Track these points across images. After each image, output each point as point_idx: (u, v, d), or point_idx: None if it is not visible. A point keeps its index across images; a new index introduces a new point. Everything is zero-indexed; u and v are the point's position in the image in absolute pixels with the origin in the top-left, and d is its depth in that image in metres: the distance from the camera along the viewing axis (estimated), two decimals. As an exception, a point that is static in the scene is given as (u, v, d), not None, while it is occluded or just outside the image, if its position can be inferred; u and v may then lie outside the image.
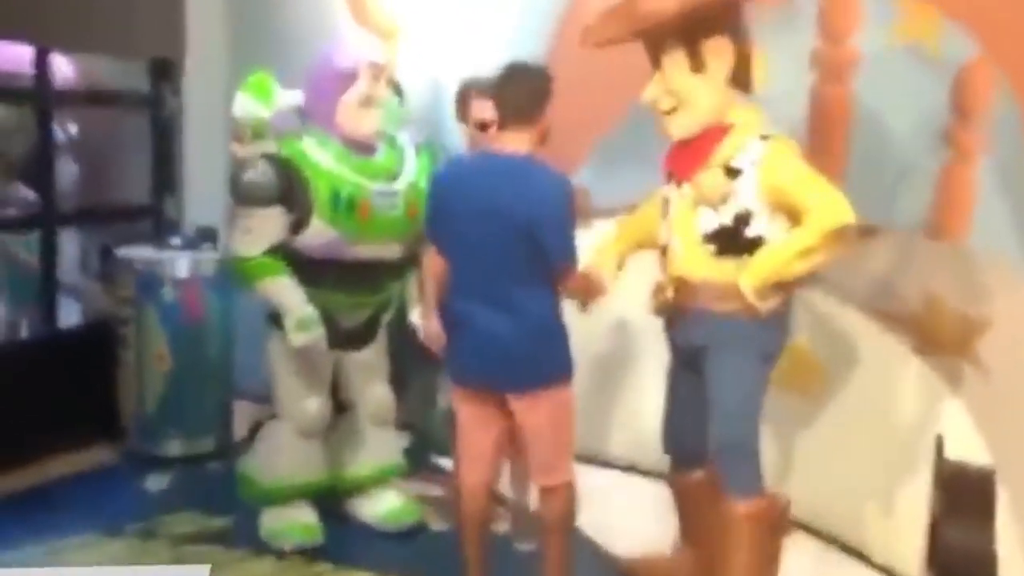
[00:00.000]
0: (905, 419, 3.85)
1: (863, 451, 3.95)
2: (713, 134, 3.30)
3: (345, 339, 4.00)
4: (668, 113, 3.35)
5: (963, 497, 2.88)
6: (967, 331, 3.67)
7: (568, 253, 3.25)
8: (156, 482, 4.58)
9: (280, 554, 3.90)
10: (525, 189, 3.20)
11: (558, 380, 3.31)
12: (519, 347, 3.23)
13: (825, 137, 4.13)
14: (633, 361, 4.71)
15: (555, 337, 3.31)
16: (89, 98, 5.49)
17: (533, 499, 3.68)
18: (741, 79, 3.35)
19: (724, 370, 3.32)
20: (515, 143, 3.28)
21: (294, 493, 4.04)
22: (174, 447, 4.81)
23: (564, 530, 3.44)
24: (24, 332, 5.34)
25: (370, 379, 4.18)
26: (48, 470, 4.55)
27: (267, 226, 3.78)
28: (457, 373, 3.40)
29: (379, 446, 4.23)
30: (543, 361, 3.29)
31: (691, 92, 3.30)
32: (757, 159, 3.22)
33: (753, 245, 3.24)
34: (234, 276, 4.09)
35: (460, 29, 5.10)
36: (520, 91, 3.30)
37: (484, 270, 3.22)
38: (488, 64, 4.38)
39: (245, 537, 3.99)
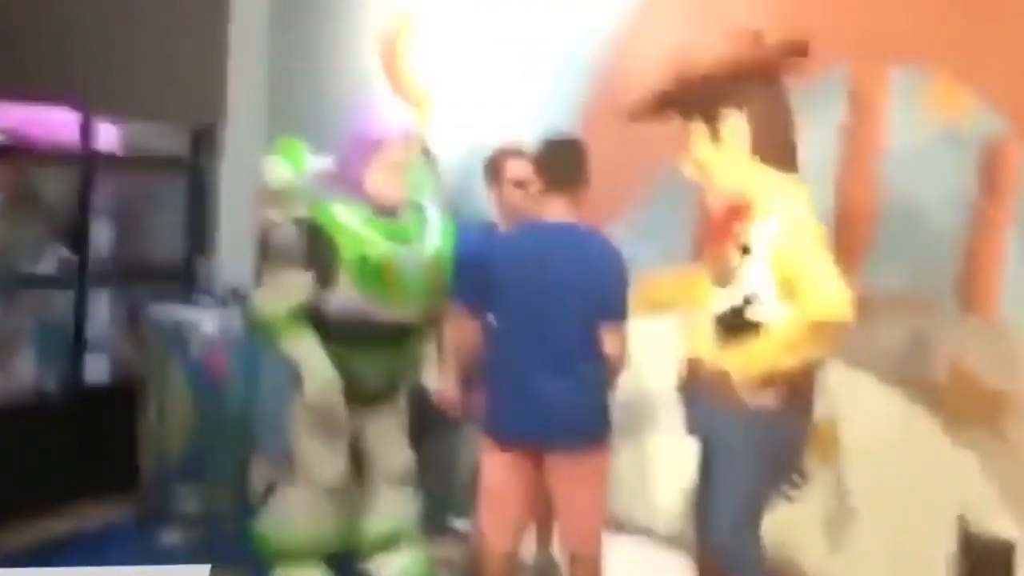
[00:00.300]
0: (929, 490, 3.75)
1: (886, 521, 3.87)
2: (736, 210, 3.23)
3: (366, 399, 4.01)
4: (705, 187, 3.36)
5: (983, 568, 2.80)
6: (994, 403, 3.61)
7: (625, 316, 3.36)
8: (173, 538, 4.57)
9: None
10: (587, 257, 3.34)
11: (603, 442, 3.39)
12: (576, 408, 3.31)
13: (852, 208, 4.12)
14: (653, 429, 4.66)
15: (603, 401, 3.39)
16: (131, 163, 5.60)
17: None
18: (780, 156, 3.25)
19: (717, 472, 3.24)
20: (561, 211, 3.39)
21: (309, 552, 4.01)
22: (192, 504, 4.79)
23: None
24: (52, 388, 5.38)
25: (390, 440, 4.17)
26: (67, 523, 4.56)
27: (292, 287, 3.82)
28: (504, 433, 3.39)
29: (395, 506, 4.20)
30: (595, 422, 3.37)
31: (711, 164, 3.30)
32: (770, 241, 3.10)
33: (753, 331, 3.11)
34: (257, 333, 4.12)
35: (492, 98, 5.18)
36: (565, 160, 3.44)
37: (541, 335, 3.29)
38: (520, 133, 4.48)
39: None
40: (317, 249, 3.79)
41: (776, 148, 3.25)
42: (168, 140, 5.52)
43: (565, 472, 3.33)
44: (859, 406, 3.97)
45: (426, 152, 5.14)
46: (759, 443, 3.12)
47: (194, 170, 5.45)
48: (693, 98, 3.29)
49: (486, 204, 5.02)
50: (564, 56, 5.04)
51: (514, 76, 5.16)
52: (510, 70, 5.18)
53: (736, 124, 3.22)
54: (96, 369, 5.21)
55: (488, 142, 5.08)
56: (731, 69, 3.22)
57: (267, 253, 3.87)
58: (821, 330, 2.97)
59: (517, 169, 3.98)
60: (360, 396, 3.97)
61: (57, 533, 4.49)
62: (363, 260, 3.80)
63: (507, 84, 5.17)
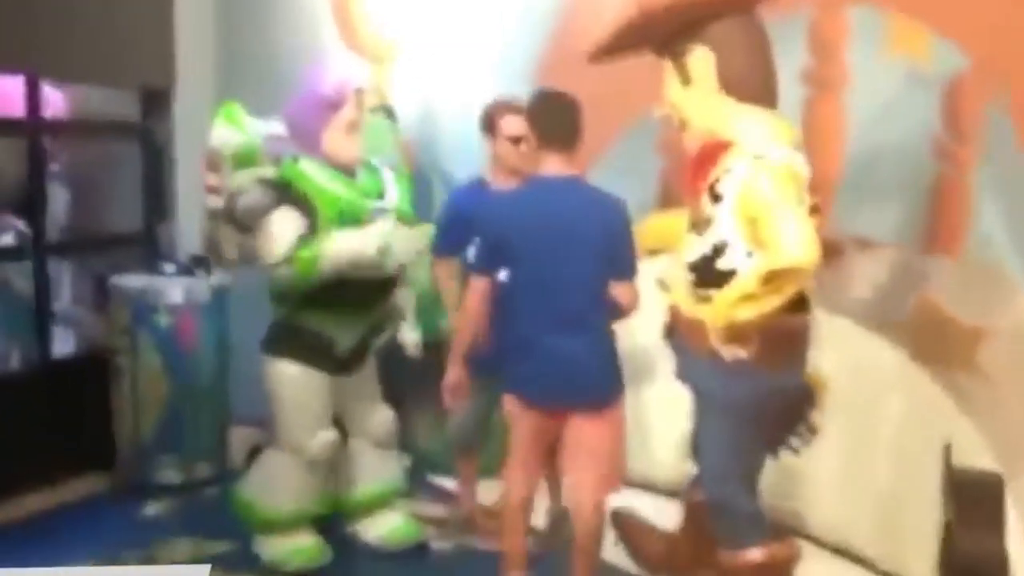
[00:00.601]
0: (909, 429, 3.83)
1: (869, 462, 3.93)
2: (711, 151, 3.12)
3: (341, 364, 3.98)
4: (683, 129, 3.26)
5: (973, 503, 2.86)
6: (967, 341, 3.66)
7: (635, 269, 3.39)
8: (154, 509, 4.55)
9: (283, 578, 3.88)
10: (595, 210, 3.36)
11: (620, 395, 3.45)
12: (595, 365, 3.36)
13: (818, 152, 4.12)
14: (650, 377, 4.63)
15: (616, 354, 3.43)
16: (80, 128, 5.47)
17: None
18: (756, 92, 3.13)
19: (703, 421, 3.25)
20: (561, 166, 3.38)
21: (298, 519, 4.00)
22: (170, 474, 4.78)
23: (599, 546, 3.51)
24: (17, 362, 5.29)
25: (370, 402, 4.17)
26: (45, 499, 4.52)
27: (287, 224, 3.75)
28: (528, 393, 3.41)
29: (380, 468, 4.22)
30: (612, 377, 3.42)
31: (683, 105, 3.20)
32: (736, 183, 2.98)
33: (724, 279, 3.02)
34: (292, 279, 3.80)
35: (451, 51, 5.13)
36: (559, 114, 3.42)
37: (556, 293, 3.30)
38: (480, 84, 4.44)
39: (245, 561, 3.96)
40: (293, 207, 3.76)
41: (751, 83, 3.12)
42: (117, 105, 5.38)
43: (594, 426, 3.37)
44: (838, 351, 3.98)
45: (386, 108, 5.10)
46: (741, 394, 3.08)
47: (146, 135, 5.31)
48: (657, 33, 3.19)
49: (449, 158, 5.04)
50: (522, 4, 4.99)
51: (473, 27, 5.10)
52: (468, 21, 5.11)
53: (703, 59, 3.11)
54: (62, 342, 5.12)
55: (448, 95, 5.08)
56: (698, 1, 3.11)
57: (239, 218, 3.78)
58: (781, 279, 2.85)
59: (513, 125, 3.94)
60: (335, 359, 3.94)
61: (35, 510, 4.44)
62: (340, 215, 3.77)
63: (466, 35, 5.11)
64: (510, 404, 3.46)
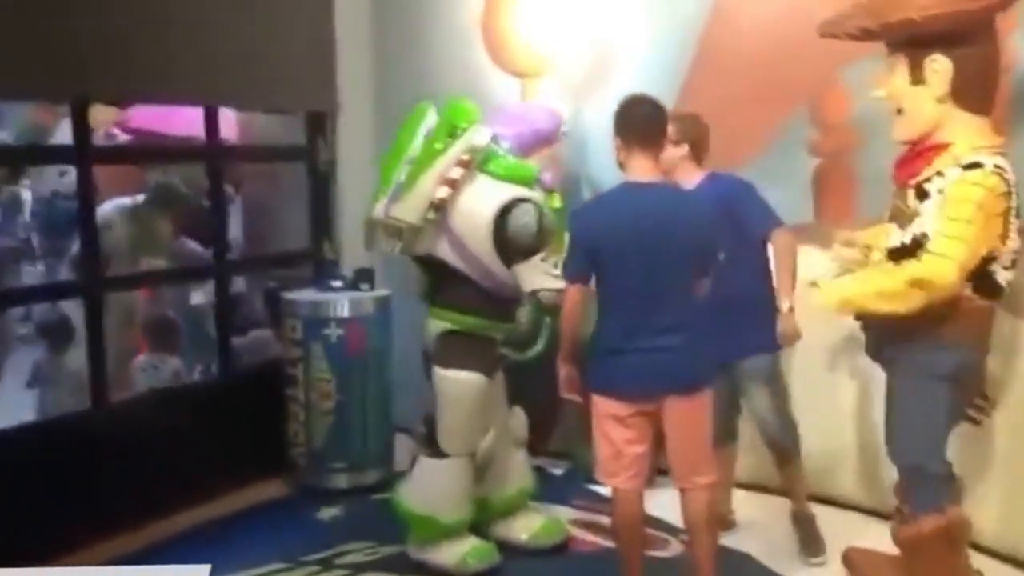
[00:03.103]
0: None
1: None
2: (928, 150, 3.31)
3: (492, 367, 4.15)
4: (898, 113, 3.42)
5: None
6: None
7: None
8: (328, 513, 4.75)
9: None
10: (693, 207, 3.56)
11: (712, 381, 3.55)
12: (690, 354, 3.43)
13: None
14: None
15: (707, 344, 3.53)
16: (253, 153, 5.80)
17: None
18: (981, 101, 3.31)
19: (893, 391, 3.41)
20: (650, 170, 3.48)
21: (466, 523, 4.13)
22: (341, 480, 4.99)
23: (713, 528, 3.61)
24: (200, 375, 5.63)
25: (504, 404, 4.31)
26: (229, 504, 4.77)
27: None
28: (625, 391, 3.46)
29: (519, 468, 4.37)
30: (705, 362, 3.53)
31: (906, 101, 3.36)
32: (943, 188, 3.20)
33: None
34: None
35: (598, 66, 5.22)
36: (653, 119, 3.51)
37: (651, 292, 3.38)
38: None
39: (417, 564, 4.12)
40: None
41: (976, 93, 3.28)
42: (284, 130, 5.68)
43: (687, 412, 3.46)
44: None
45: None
46: (931, 364, 3.26)
47: (313, 157, 5.57)
48: (903, 39, 3.33)
49: (596, 165, 5.13)
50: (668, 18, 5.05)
51: (619, 42, 5.18)
52: (615, 36, 5.19)
53: (942, 69, 3.24)
54: (240, 354, 5.42)
55: (595, 105, 5.17)
56: (951, 17, 3.19)
57: (543, 236, 3.90)
58: (919, 286, 3.12)
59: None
60: (491, 361, 4.12)
61: (221, 513, 4.69)
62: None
63: (613, 49, 5.19)
64: (604, 406, 3.50)
